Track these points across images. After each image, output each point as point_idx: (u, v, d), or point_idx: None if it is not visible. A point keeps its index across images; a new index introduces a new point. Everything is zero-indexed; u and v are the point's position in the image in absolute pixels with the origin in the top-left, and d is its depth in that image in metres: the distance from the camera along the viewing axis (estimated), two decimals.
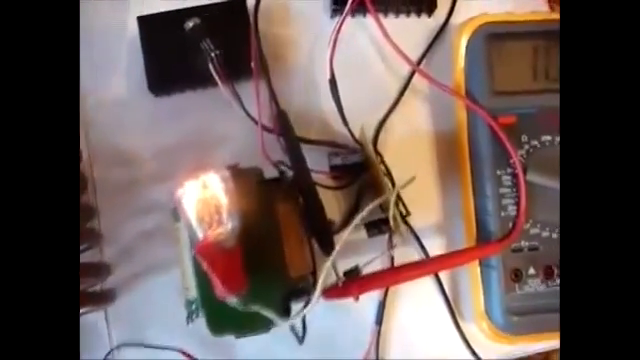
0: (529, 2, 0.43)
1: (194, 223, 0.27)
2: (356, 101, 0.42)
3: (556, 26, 0.38)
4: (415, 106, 0.43)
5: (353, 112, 0.41)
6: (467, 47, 0.39)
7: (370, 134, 0.41)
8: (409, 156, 0.42)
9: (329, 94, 0.41)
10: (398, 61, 0.41)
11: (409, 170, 0.41)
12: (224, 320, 0.30)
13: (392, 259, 0.40)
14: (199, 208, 0.28)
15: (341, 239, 0.31)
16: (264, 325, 0.30)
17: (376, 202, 0.32)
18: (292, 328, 0.32)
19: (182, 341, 0.39)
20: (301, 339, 0.32)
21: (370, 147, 0.37)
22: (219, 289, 0.27)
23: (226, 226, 0.28)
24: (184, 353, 0.38)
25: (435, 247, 0.41)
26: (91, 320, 0.40)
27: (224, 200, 0.28)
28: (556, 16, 0.39)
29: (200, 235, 0.27)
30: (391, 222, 0.34)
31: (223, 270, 0.26)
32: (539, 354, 0.43)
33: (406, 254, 0.41)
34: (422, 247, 0.40)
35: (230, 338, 0.40)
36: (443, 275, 0.41)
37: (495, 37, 0.38)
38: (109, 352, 0.40)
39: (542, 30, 0.38)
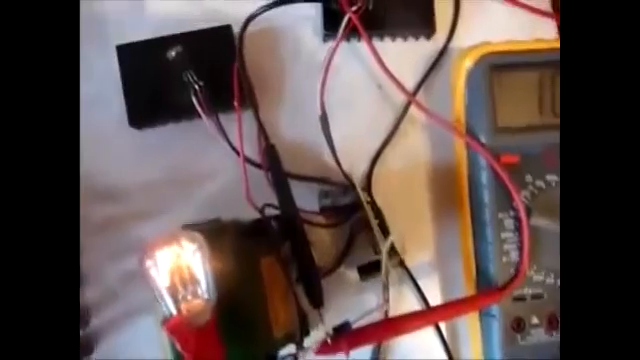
0: (532, 21, 0.41)
1: (165, 297, 0.25)
2: (350, 132, 0.40)
3: None
4: (412, 137, 0.40)
5: (347, 143, 0.39)
6: (467, 79, 0.36)
7: (363, 169, 0.39)
8: (405, 191, 0.40)
9: (319, 127, 0.38)
10: (395, 88, 0.39)
11: (405, 205, 0.40)
12: None
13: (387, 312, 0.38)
14: (171, 279, 0.25)
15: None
16: None
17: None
18: None
19: None
20: None
21: (360, 193, 0.35)
22: None
23: (201, 297, 0.26)
24: None
25: (431, 287, 0.39)
26: None
27: (198, 269, 0.26)
28: None
29: (173, 310, 0.25)
30: (383, 276, 0.32)
31: (197, 349, 0.25)
32: None
33: (401, 294, 0.39)
34: (418, 289, 0.38)
35: None
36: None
37: (498, 68, 0.35)
38: None
39: (548, 60, 0.35)
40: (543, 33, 0.41)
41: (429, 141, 0.40)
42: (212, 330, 0.25)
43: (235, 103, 0.36)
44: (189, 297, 0.25)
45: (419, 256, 0.39)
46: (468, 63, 0.36)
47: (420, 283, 0.38)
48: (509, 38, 0.37)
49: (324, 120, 0.37)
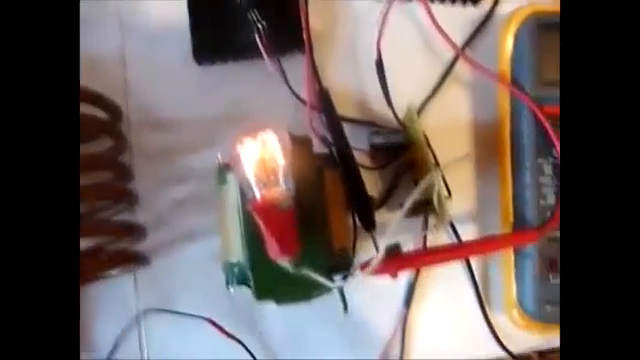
0: None
1: (251, 181, 0.27)
2: (397, 85, 0.42)
3: None
4: (456, 93, 0.43)
5: (394, 95, 0.41)
6: (515, 36, 0.39)
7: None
8: (446, 143, 0.42)
9: (370, 75, 0.41)
10: (441, 48, 0.41)
11: (446, 157, 0.42)
12: (271, 283, 0.30)
13: (425, 241, 0.40)
14: (256, 167, 0.27)
15: (397, 217, 0.31)
16: (308, 293, 0.30)
17: (425, 181, 0.32)
18: (341, 292, 0.32)
19: (209, 311, 0.39)
20: (345, 307, 0.32)
21: (418, 125, 0.37)
22: (273, 249, 0.27)
23: (282, 187, 0.27)
24: (212, 322, 0.38)
25: (468, 235, 0.41)
26: (118, 286, 0.40)
27: (282, 161, 0.28)
28: None
29: (257, 194, 0.27)
30: (435, 199, 0.34)
31: (279, 230, 0.26)
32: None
33: (439, 240, 0.41)
34: (456, 234, 0.40)
35: (258, 310, 0.40)
36: (474, 263, 0.41)
37: (544, 27, 0.38)
38: (136, 316, 0.40)
39: None
40: None
41: (471, 97, 0.42)
42: (291, 217, 0.27)
43: (304, 35, 0.39)
44: (270, 185, 0.27)
45: (458, 205, 0.41)
46: (517, 21, 0.39)
47: (458, 230, 0.41)
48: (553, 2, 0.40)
49: (379, 65, 0.39)
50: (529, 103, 0.37)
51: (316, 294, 0.31)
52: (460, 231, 0.40)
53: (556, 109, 0.37)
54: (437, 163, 0.37)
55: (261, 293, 0.30)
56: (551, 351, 0.42)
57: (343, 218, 0.34)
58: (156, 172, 0.41)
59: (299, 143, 0.30)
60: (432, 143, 0.40)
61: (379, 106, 0.41)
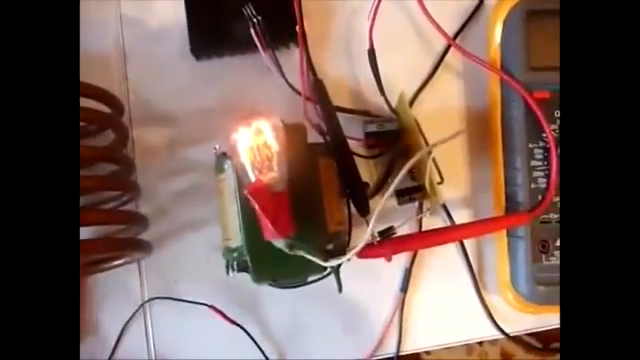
0: None
1: (247, 166, 0.28)
2: (390, 74, 0.43)
3: None
4: (448, 82, 0.44)
5: (387, 85, 0.42)
6: (505, 22, 0.40)
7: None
8: (440, 130, 0.43)
9: (363, 65, 0.42)
10: (433, 37, 0.42)
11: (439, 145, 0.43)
12: (267, 265, 0.31)
13: (420, 225, 0.41)
14: (251, 153, 0.29)
15: (384, 195, 0.32)
16: (304, 274, 0.31)
17: (416, 157, 0.33)
18: (337, 273, 0.33)
19: (212, 298, 0.40)
20: (339, 288, 0.33)
21: (410, 112, 0.38)
22: (269, 230, 0.28)
23: (276, 172, 0.29)
24: (214, 309, 0.39)
25: (462, 219, 0.42)
26: (123, 276, 0.41)
27: (275, 148, 0.29)
28: None
29: (252, 178, 0.28)
30: (427, 183, 0.35)
31: (273, 212, 0.27)
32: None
33: (434, 225, 0.42)
34: (450, 217, 0.41)
35: (259, 297, 0.41)
36: (468, 247, 0.42)
37: (533, 13, 0.39)
38: (141, 305, 0.41)
39: None
40: None
41: (463, 86, 0.43)
42: (285, 199, 0.28)
43: (298, 28, 0.40)
44: (265, 170, 0.28)
45: (452, 190, 0.42)
46: (506, 8, 0.39)
47: (452, 214, 0.42)
48: None
49: (372, 53, 0.40)
50: (519, 89, 0.38)
51: (312, 275, 0.32)
52: (454, 215, 0.42)
53: (545, 94, 0.39)
54: (430, 150, 0.37)
55: (258, 275, 0.31)
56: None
57: (337, 204, 0.35)
58: (157, 165, 0.42)
59: (292, 130, 0.31)
60: (425, 130, 0.42)
61: (373, 96, 0.42)
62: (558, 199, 0.38)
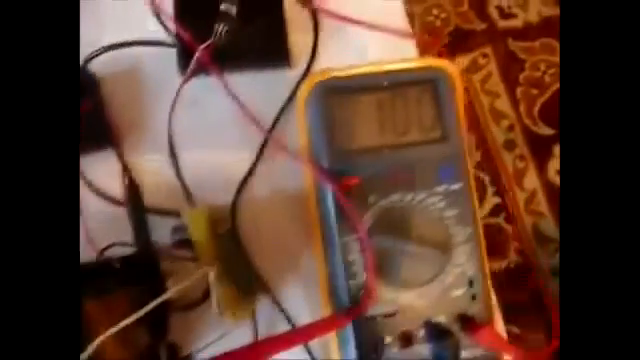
0: (394, 43, 0.42)
1: None
2: (215, 163, 0.40)
3: (403, 76, 0.36)
4: (276, 165, 0.41)
5: (214, 175, 0.40)
6: (307, 105, 0.37)
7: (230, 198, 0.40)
8: (270, 218, 0.40)
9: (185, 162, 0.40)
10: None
11: (271, 233, 0.40)
12: None
13: (256, 332, 0.39)
14: None
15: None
16: None
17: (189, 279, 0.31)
18: None
19: None
20: None
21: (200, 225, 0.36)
22: None
23: None
24: None
25: (299, 309, 0.39)
26: None
27: None
28: (405, 64, 0.37)
29: None
30: (214, 305, 0.33)
31: None
32: None
33: (274, 324, 0.39)
34: (282, 311, 0.39)
35: None
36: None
37: (334, 92, 0.36)
38: None
39: (387, 82, 0.36)
40: (407, 54, 0.42)
41: (291, 169, 0.40)
42: None
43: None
44: None
45: (288, 281, 0.40)
46: (306, 89, 0.36)
47: (288, 306, 0.39)
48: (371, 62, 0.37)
49: (173, 156, 0.38)
50: (325, 179, 0.35)
51: None
52: (290, 306, 0.40)
53: (355, 180, 0.35)
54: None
55: None
56: None
57: (123, 342, 0.32)
58: None
59: None
60: (256, 219, 0.39)
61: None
62: (384, 291, 0.35)
